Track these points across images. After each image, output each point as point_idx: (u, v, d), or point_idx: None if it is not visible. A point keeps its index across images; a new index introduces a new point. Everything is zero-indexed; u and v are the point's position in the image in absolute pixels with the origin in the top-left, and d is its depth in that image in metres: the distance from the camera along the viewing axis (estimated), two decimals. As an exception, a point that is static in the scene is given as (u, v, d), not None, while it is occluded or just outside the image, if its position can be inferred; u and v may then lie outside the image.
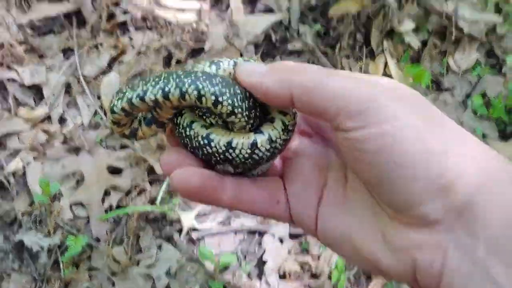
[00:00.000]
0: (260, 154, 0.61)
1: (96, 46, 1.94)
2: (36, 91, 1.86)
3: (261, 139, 0.61)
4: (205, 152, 0.61)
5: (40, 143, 1.74)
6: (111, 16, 1.99)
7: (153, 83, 0.59)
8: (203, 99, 0.57)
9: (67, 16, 2.00)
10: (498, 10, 2.42)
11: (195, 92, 0.57)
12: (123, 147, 1.75)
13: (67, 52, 1.94)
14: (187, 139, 0.62)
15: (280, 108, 0.61)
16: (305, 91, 0.53)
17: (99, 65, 1.90)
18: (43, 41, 1.93)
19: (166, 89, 0.57)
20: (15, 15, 1.96)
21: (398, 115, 0.50)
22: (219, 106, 0.58)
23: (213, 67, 0.62)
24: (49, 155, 1.72)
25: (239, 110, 0.59)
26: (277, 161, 0.69)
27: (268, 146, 0.61)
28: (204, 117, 0.63)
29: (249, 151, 0.60)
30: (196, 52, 1.98)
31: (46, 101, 1.83)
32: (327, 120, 0.54)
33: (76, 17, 2.00)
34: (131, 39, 1.98)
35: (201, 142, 0.61)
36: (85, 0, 1.98)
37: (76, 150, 1.75)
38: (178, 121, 0.63)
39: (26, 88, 1.85)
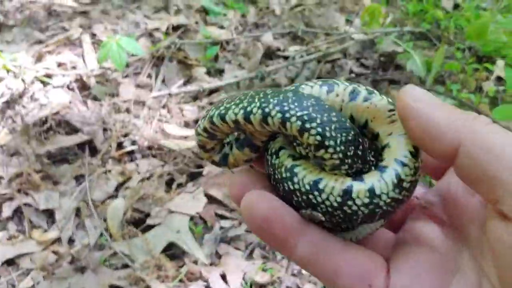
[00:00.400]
0: (354, 208, 0.47)
1: (105, 173, 2.16)
2: (49, 215, 2.05)
3: (359, 187, 0.47)
4: (286, 188, 0.49)
5: (49, 263, 1.89)
6: (120, 145, 2.22)
7: (238, 101, 0.49)
8: (288, 124, 0.46)
9: (80, 145, 2.23)
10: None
11: (279, 115, 0.46)
12: (124, 266, 1.90)
13: (79, 178, 2.15)
14: (271, 169, 0.51)
15: (430, 153, 0.46)
16: (482, 146, 0.41)
17: (107, 190, 2.10)
18: (58, 170, 2.15)
19: (249, 109, 0.48)
20: (34, 146, 2.20)
21: None
22: (306, 135, 0.46)
23: (324, 89, 0.51)
24: (57, 275, 1.88)
25: (331, 142, 0.46)
26: (386, 235, 0.56)
27: (366, 200, 0.47)
28: (295, 144, 0.51)
29: (339, 199, 0.47)
30: (194, 176, 2.17)
31: (58, 224, 2.01)
32: (489, 198, 0.43)
33: (89, 147, 2.23)
34: (137, 165, 2.19)
35: (284, 175, 0.49)
36: (97, 132, 2.23)
37: (82, 270, 1.90)
38: (268, 146, 0.53)
39: (40, 212, 2.04)
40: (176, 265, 1.87)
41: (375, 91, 0.51)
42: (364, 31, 2.90)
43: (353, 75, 2.64)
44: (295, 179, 0.48)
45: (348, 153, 0.47)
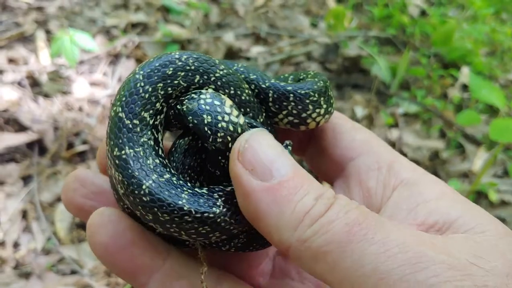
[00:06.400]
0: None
1: (55, 173, 2.04)
2: (-7, 217, 1.93)
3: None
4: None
5: (-9, 269, 1.78)
6: (71, 145, 2.11)
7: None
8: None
9: (29, 144, 2.12)
10: (443, 135, 2.59)
11: None
12: (73, 272, 1.79)
13: (26, 179, 2.03)
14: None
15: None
16: (309, 253, 0.33)
17: (56, 191, 1.98)
18: (4, 169, 2.03)
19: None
20: (-20, 145, 2.07)
21: None
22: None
23: None
24: (-1, 281, 1.76)
25: None
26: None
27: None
28: None
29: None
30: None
31: (2, 226, 1.89)
32: None
33: (38, 146, 2.12)
34: (89, 166, 2.08)
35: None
36: (47, 130, 2.11)
37: (27, 275, 1.78)
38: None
39: (-16, 214, 1.92)
40: (127, 270, 1.77)
41: None
42: (329, 35, 2.86)
43: (316, 78, 2.58)
44: None
45: None
